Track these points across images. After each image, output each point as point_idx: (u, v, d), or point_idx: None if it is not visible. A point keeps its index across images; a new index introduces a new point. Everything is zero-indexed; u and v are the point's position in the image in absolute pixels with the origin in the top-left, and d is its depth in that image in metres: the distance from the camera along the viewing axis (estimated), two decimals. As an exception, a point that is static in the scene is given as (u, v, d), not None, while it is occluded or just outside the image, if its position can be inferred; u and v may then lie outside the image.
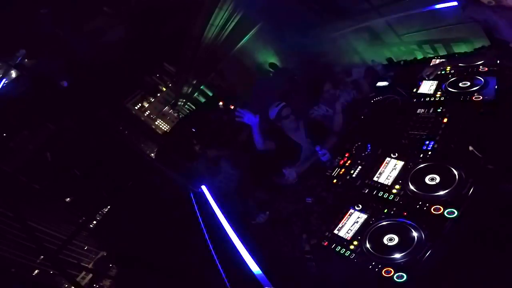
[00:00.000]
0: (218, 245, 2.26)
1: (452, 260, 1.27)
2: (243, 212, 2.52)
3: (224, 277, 1.95)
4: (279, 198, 2.40)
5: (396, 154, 1.91)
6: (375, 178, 1.85)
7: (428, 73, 2.39)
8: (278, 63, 5.78)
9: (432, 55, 3.12)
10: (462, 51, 3.03)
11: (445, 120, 1.94)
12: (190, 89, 14.18)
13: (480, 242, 1.25)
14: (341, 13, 4.19)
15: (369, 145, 2.13)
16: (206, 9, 6.45)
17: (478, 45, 2.64)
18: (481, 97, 1.91)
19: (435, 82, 2.37)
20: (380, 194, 1.74)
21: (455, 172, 1.55)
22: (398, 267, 1.35)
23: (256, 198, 2.55)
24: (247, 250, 1.92)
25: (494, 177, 1.42)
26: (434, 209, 1.46)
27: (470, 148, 1.58)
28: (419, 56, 3.59)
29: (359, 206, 1.76)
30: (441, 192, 1.51)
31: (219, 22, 6.65)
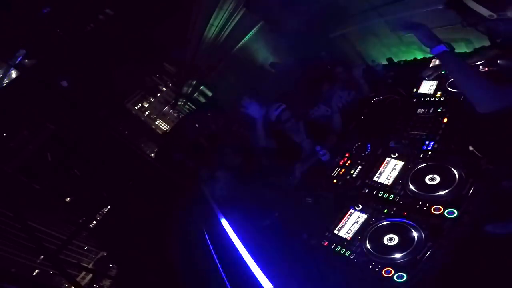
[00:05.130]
0: (218, 245, 2.26)
1: (452, 260, 1.27)
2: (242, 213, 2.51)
3: (224, 277, 1.95)
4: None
5: (396, 154, 1.91)
6: (375, 178, 1.86)
7: (428, 73, 2.39)
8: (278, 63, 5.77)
9: (432, 55, 3.11)
10: (462, 51, 3.02)
11: (445, 120, 1.95)
12: (190, 89, 14.18)
13: (480, 242, 1.25)
14: (341, 13, 4.19)
15: (369, 145, 2.13)
16: (206, 9, 6.45)
17: (478, 45, 2.64)
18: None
19: (435, 82, 2.37)
20: (380, 194, 1.74)
21: (455, 172, 1.55)
22: (398, 267, 1.35)
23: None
24: (247, 250, 1.92)
25: (494, 177, 1.42)
26: (434, 209, 1.46)
27: (470, 148, 1.58)
28: (419, 56, 3.59)
29: (359, 206, 1.76)
30: (441, 192, 1.51)
31: (219, 22, 6.65)
